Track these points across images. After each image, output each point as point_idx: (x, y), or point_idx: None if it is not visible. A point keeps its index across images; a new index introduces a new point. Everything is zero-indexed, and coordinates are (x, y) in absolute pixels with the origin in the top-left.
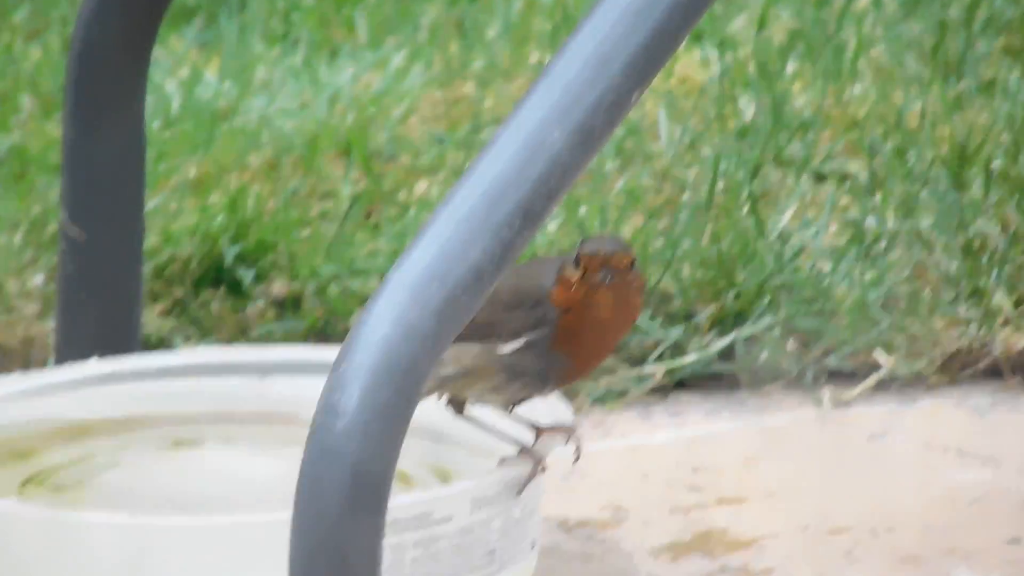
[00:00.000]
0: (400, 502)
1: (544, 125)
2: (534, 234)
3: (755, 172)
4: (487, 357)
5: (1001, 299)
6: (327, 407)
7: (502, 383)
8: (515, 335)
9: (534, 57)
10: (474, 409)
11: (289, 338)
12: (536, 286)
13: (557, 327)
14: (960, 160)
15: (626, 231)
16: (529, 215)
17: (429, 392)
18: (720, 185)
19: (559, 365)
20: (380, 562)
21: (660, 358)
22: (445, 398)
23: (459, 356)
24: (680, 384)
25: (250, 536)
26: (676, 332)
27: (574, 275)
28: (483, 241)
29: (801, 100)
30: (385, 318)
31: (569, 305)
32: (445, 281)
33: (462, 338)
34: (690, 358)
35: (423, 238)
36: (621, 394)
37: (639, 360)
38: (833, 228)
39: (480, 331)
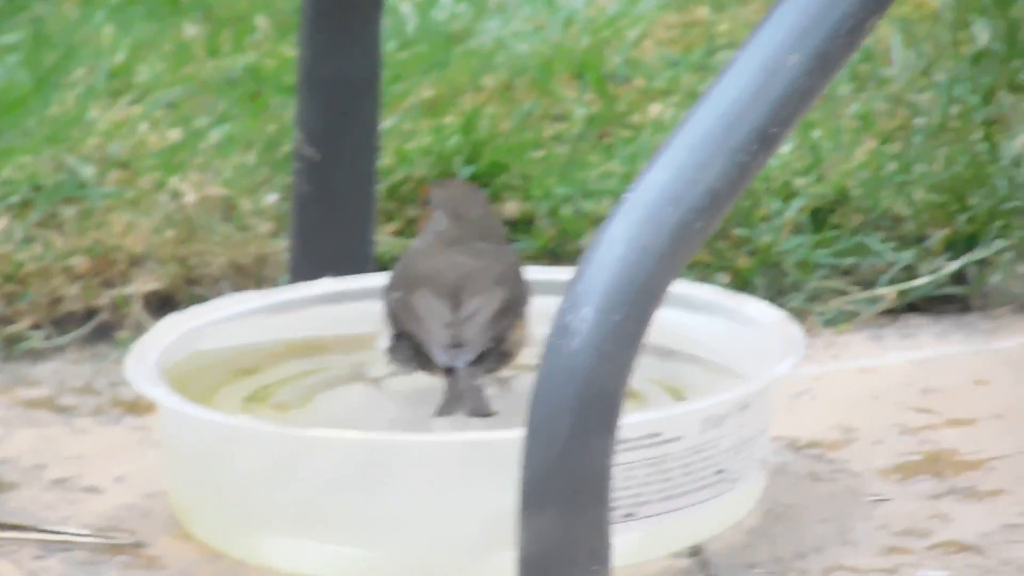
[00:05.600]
0: (630, 421)
1: (781, 49)
2: (769, 158)
3: (989, 97)
4: (525, 327)
5: None
6: (561, 327)
7: None
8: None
9: None
10: None
11: (521, 258)
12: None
13: None
14: None
15: (859, 155)
16: (765, 139)
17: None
18: (953, 110)
19: None
20: (611, 480)
21: (891, 281)
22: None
23: (520, 337)
24: (911, 307)
25: (482, 454)
26: (908, 255)
27: None
28: (719, 164)
29: None
30: (620, 239)
31: None
32: (680, 204)
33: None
34: (921, 281)
35: (659, 160)
36: (852, 316)
37: (870, 282)
38: None
39: (516, 306)
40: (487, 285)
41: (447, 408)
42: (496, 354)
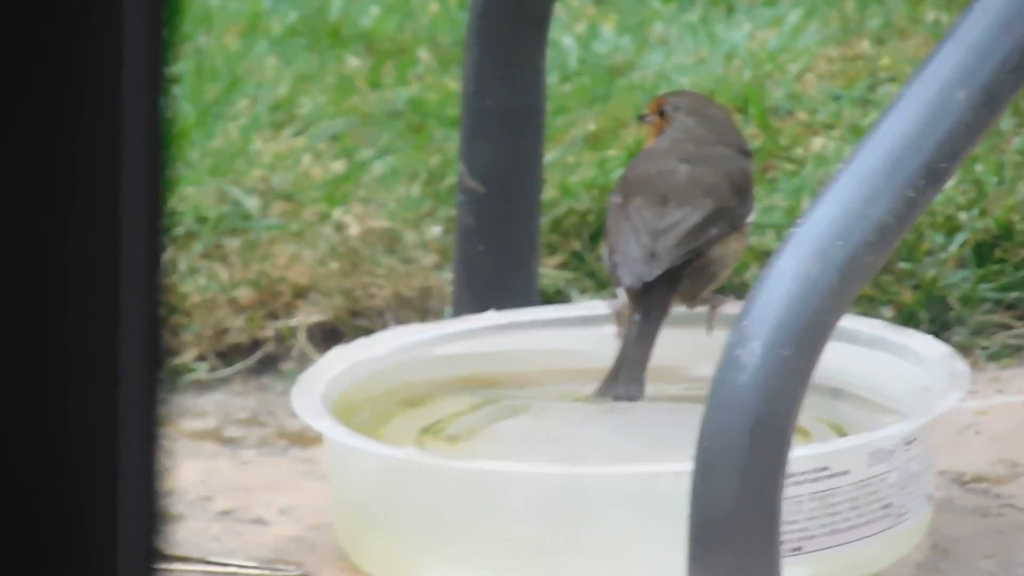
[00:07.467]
0: (798, 455)
1: (948, 85)
2: (937, 193)
3: None
4: (742, 241)
5: None
6: (729, 362)
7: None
8: (750, 211)
9: (930, 16)
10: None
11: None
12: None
13: None
14: None
15: (1023, 190)
16: (933, 174)
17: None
18: None
19: None
20: (779, 515)
21: None
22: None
23: (726, 252)
24: None
25: (654, 487)
26: None
27: None
28: (887, 199)
29: None
30: (787, 274)
31: None
32: (848, 238)
33: (714, 239)
34: None
35: (826, 195)
36: (1016, 350)
37: None
38: None
39: (727, 219)
40: (694, 195)
41: (604, 388)
42: (695, 271)
